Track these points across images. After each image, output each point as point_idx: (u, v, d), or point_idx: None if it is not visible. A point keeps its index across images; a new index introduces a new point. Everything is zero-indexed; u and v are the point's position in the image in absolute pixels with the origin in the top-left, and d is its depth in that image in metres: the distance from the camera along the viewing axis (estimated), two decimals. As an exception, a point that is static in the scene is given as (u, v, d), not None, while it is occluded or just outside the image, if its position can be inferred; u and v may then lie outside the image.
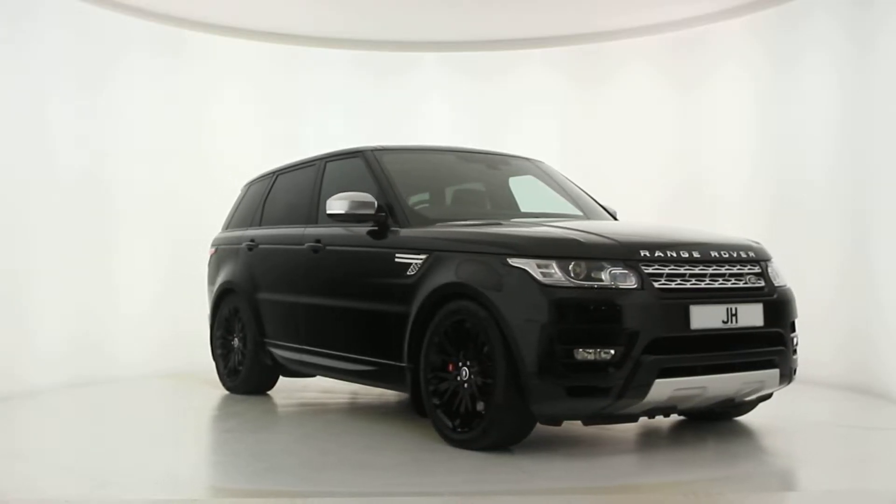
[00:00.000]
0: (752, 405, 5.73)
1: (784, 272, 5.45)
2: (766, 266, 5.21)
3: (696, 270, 4.82)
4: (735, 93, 8.89)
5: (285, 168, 7.25)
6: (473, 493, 4.08)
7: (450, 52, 10.06)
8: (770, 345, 5.00)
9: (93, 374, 8.15)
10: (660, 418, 5.54)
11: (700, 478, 4.42)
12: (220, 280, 7.60)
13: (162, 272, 9.06)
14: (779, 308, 5.08)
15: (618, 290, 4.55)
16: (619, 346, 4.47)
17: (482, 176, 6.53)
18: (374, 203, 5.57)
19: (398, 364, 5.30)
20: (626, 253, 4.70)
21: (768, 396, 5.55)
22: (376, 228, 5.60)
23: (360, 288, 5.75)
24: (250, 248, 7.19)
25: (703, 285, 4.80)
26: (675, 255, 4.79)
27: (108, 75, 8.60)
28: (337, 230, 6.02)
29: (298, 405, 6.89)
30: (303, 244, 6.40)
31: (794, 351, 5.23)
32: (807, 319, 7.89)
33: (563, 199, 6.52)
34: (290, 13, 9.21)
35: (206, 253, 9.40)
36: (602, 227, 5.17)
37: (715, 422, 5.76)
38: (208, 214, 9.34)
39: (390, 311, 5.36)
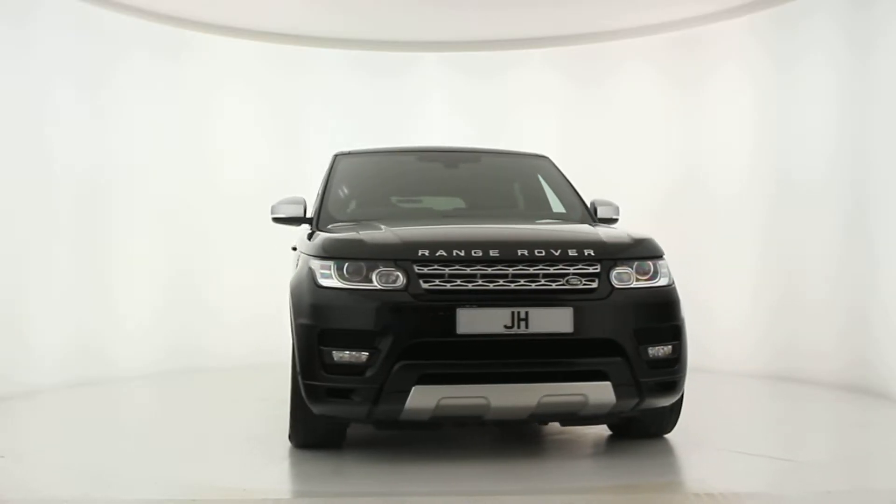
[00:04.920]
0: (663, 422, 5.17)
1: (673, 270, 4.84)
2: (612, 266, 4.63)
3: (490, 271, 4.47)
4: (734, 93, 8.89)
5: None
6: (473, 493, 4.08)
7: (450, 52, 10.07)
8: (592, 354, 4.47)
9: (92, 375, 8.13)
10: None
11: (699, 477, 4.42)
12: None
13: (162, 272, 9.03)
14: (612, 313, 4.52)
15: (378, 291, 4.45)
16: (372, 350, 4.36)
17: (442, 175, 6.33)
18: (301, 207, 5.62)
19: None
20: (403, 253, 4.53)
21: (665, 411, 5.01)
22: (310, 231, 5.64)
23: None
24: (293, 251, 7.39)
25: (490, 286, 4.44)
26: (461, 254, 4.49)
27: (108, 75, 8.59)
28: (302, 232, 6.09)
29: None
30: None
31: (665, 362, 4.63)
32: (806, 314, 7.97)
33: (535, 198, 6.21)
34: (290, 13, 9.21)
35: (205, 253, 9.44)
36: (410, 228, 4.94)
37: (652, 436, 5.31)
38: (208, 213, 9.35)
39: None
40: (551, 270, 4.53)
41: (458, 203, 6.17)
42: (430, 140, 9.31)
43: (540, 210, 6.02)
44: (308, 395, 4.58)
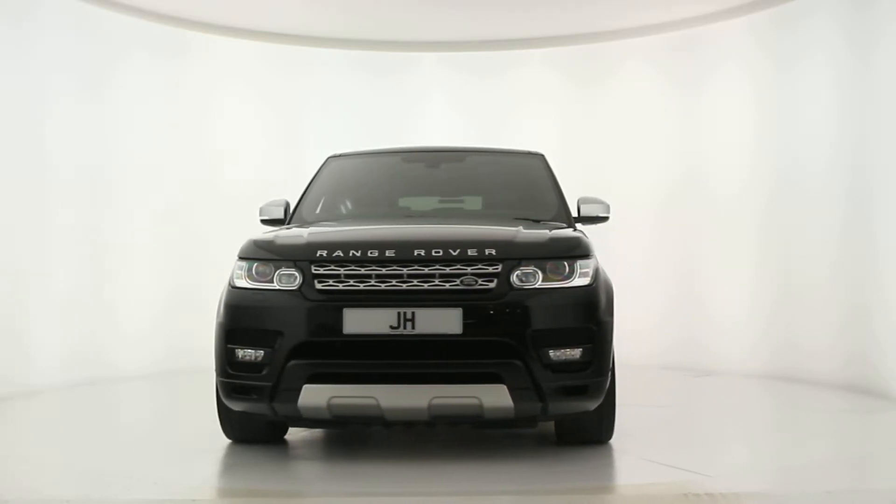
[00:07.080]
0: (593, 428, 4.95)
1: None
2: (515, 266, 4.49)
3: (385, 271, 4.47)
4: (734, 93, 8.90)
5: None
6: (473, 493, 4.08)
7: (450, 52, 10.07)
8: (485, 356, 4.37)
9: (92, 375, 8.13)
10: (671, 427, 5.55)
11: (698, 477, 4.42)
12: None
13: (161, 272, 9.03)
14: (508, 314, 4.39)
15: (276, 291, 4.57)
16: (267, 349, 4.49)
17: (426, 177, 6.24)
18: (283, 208, 5.69)
19: None
20: (303, 254, 4.62)
21: (591, 416, 4.80)
22: None
23: None
24: None
25: (382, 287, 4.44)
26: (357, 254, 4.52)
27: (108, 75, 8.60)
28: None
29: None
30: None
31: (573, 365, 4.43)
32: (805, 313, 7.98)
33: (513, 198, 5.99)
34: (290, 13, 9.21)
35: (204, 252, 9.42)
36: (323, 229, 5.06)
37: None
38: (208, 213, 9.35)
39: None
40: (447, 270, 4.48)
41: (434, 204, 6.11)
42: (431, 140, 9.32)
43: (515, 209, 5.71)
44: (222, 391, 4.74)
